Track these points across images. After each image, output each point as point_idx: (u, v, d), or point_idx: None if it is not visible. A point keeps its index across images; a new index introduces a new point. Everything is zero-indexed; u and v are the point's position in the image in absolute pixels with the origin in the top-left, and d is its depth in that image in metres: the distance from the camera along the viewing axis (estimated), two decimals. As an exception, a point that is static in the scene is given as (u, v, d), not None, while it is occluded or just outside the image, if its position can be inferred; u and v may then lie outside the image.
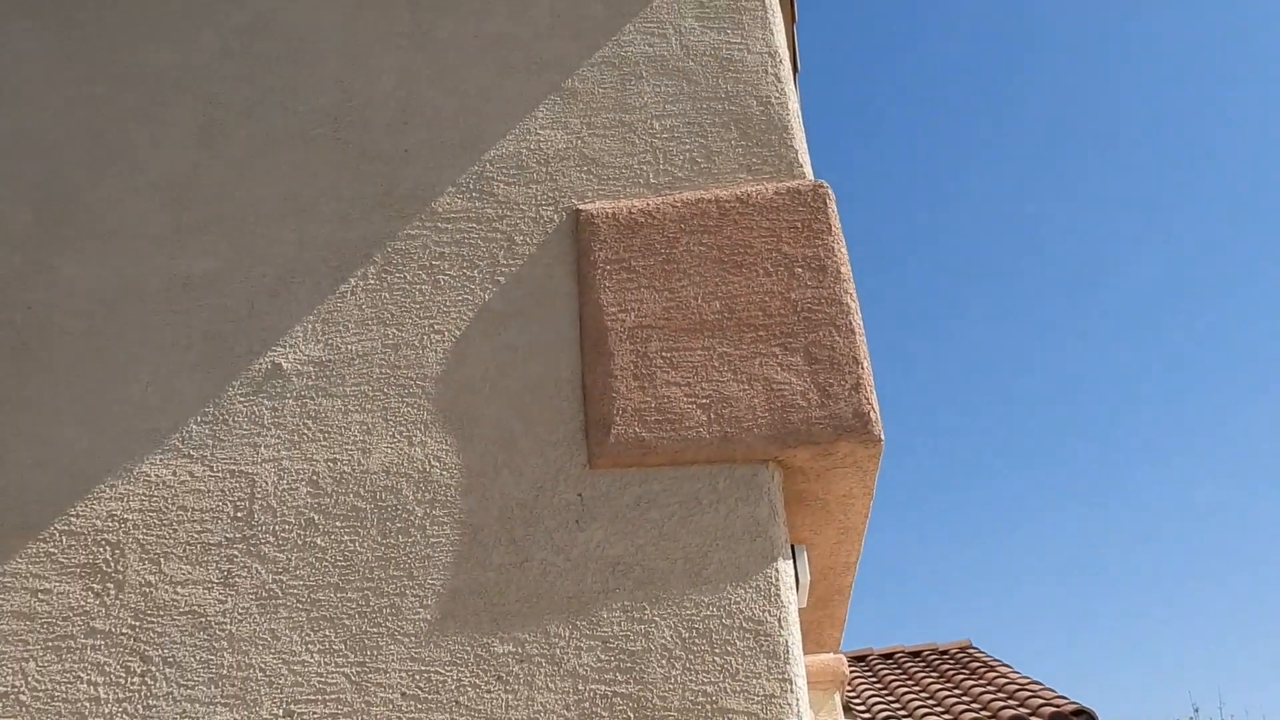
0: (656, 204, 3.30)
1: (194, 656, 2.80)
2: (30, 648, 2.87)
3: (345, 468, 3.02)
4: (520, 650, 2.71)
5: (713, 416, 2.92)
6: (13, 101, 3.93)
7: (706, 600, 2.72)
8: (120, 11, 4.09)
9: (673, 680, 2.63)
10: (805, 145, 3.56)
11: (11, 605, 2.93)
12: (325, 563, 2.88)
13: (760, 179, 3.35)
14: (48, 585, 2.95)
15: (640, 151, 3.46)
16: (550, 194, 3.42)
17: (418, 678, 2.70)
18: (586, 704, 2.62)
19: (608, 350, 3.06)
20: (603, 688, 2.64)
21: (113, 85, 3.90)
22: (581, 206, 3.36)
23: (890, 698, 12.57)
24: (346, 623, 2.79)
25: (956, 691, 12.42)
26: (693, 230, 3.23)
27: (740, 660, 2.64)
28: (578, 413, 3.03)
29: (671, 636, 2.69)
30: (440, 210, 3.43)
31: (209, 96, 3.81)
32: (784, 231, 3.19)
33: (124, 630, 2.86)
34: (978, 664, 13.34)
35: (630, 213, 3.29)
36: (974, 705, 11.59)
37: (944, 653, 14.62)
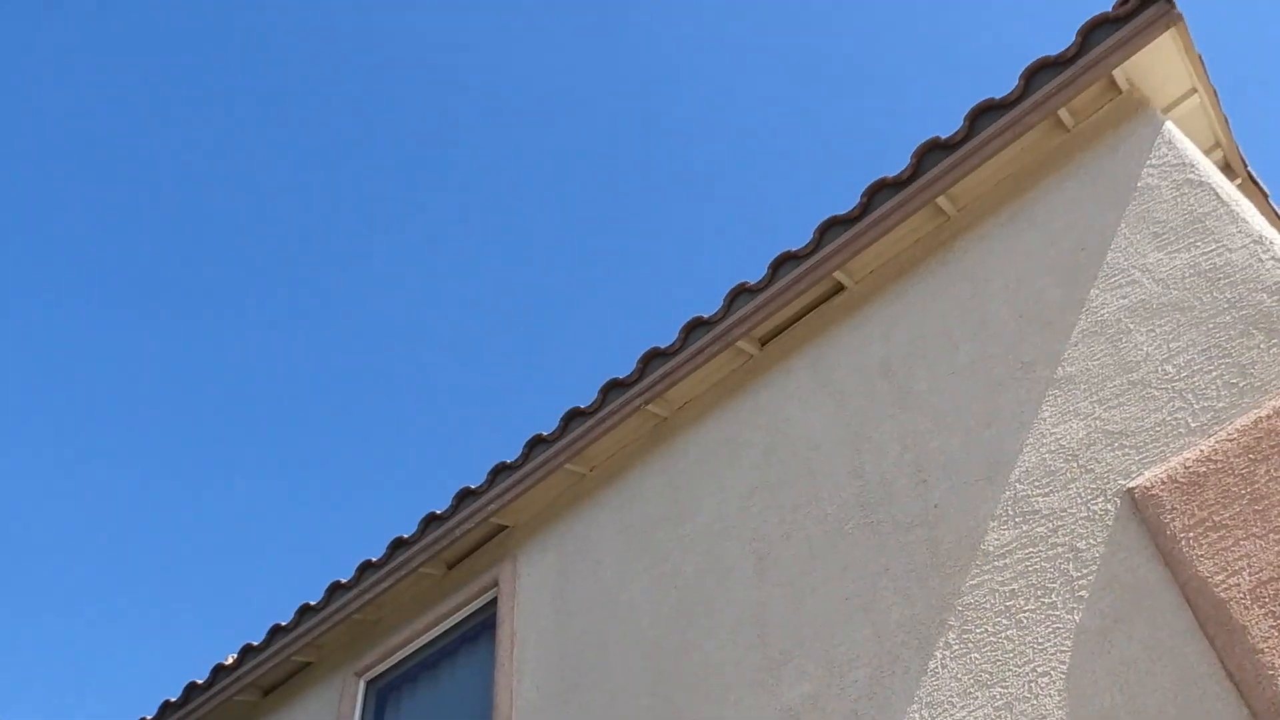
0: (1211, 446, 2.92)
1: None
2: None
3: None
4: None
5: None
6: (610, 607, 4.49)
7: None
8: (663, 489, 4.64)
9: None
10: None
11: None
12: None
13: (1315, 368, 2.88)
14: None
15: (1165, 403, 3.14)
16: (1093, 486, 3.16)
17: None
18: None
19: (1237, 624, 2.61)
20: None
21: (675, 558, 4.35)
22: (1130, 484, 3.06)
23: None
24: None
25: None
26: (1267, 454, 2.79)
27: None
28: (1238, 706, 2.55)
29: None
30: (991, 549, 3.29)
31: (752, 534, 4.10)
32: (1376, 410, 2.66)
33: None
34: None
35: (1186, 468, 2.93)
36: None
37: None
